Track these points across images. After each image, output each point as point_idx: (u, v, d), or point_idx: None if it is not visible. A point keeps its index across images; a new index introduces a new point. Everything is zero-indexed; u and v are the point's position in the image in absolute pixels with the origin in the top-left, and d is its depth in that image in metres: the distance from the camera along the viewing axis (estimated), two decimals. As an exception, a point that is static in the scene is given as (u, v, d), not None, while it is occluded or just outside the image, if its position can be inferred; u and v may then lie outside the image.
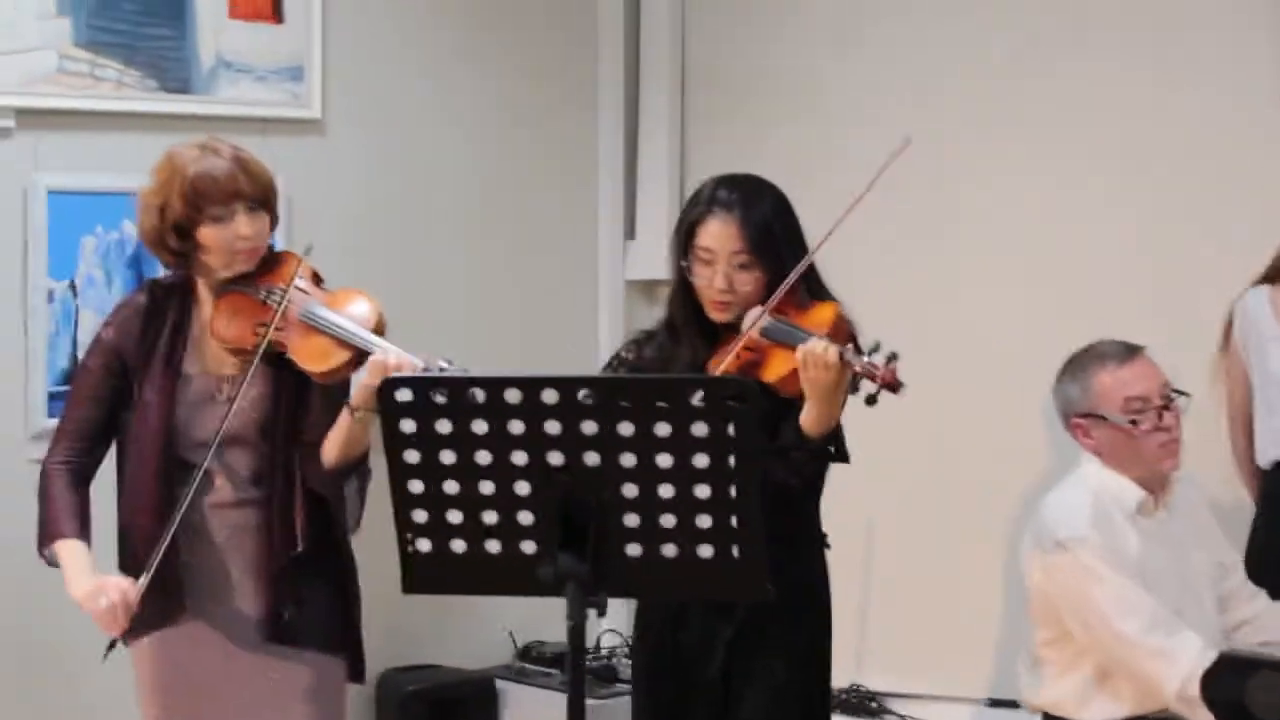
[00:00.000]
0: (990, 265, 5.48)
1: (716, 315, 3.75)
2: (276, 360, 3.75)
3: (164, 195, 3.74)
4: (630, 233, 6.27)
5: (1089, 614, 3.88)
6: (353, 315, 3.74)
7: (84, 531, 3.81)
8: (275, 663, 3.82)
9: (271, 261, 3.83)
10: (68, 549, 3.77)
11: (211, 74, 5.30)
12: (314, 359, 3.70)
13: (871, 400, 3.51)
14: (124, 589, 3.65)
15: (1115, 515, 3.95)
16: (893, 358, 3.45)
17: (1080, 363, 4.10)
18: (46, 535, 3.82)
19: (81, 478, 3.85)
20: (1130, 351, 4.05)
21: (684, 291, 3.84)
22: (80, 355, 4.94)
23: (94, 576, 3.72)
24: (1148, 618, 3.80)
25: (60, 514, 3.80)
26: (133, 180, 5.03)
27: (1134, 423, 3.96)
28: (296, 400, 3.79)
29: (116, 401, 3.85)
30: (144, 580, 3.67)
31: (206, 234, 3.74)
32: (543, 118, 6.10)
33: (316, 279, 3.84)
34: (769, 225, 3.75)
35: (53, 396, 5.05)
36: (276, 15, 5.42)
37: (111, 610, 3.64)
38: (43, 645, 5.10)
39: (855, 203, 3.63)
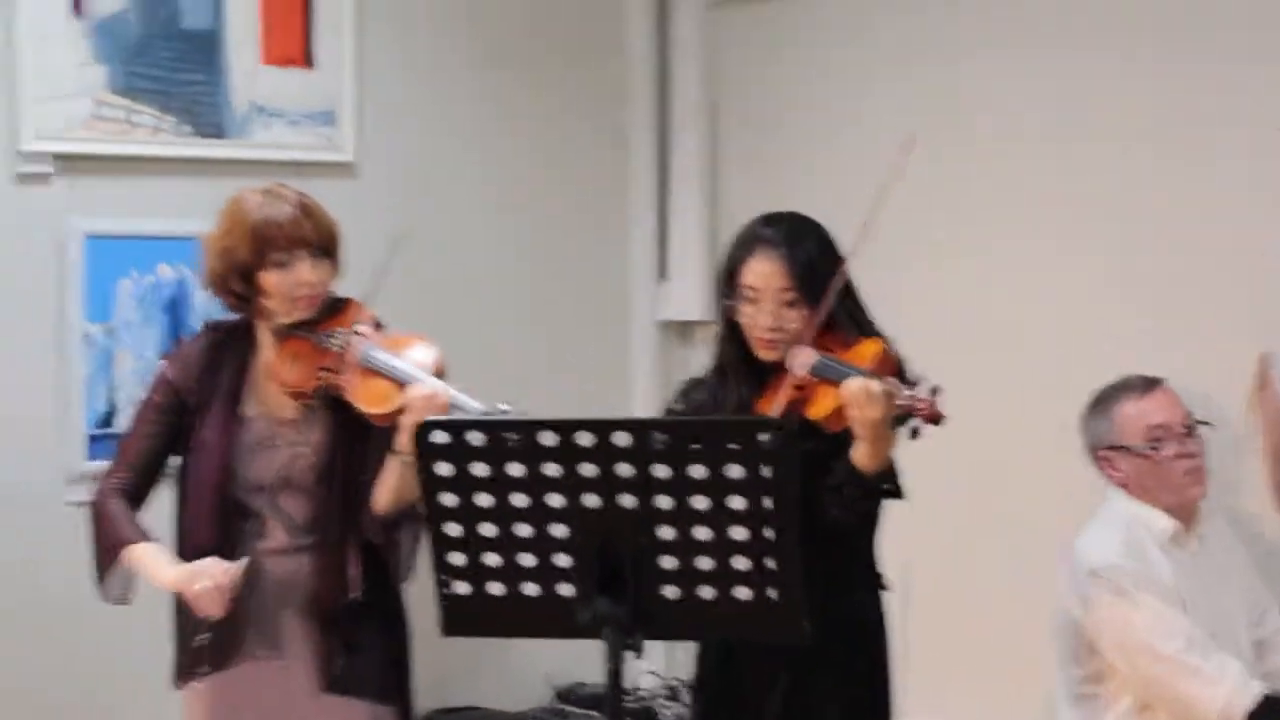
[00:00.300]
0: (1028, 310, 5.45)
1: (764, 354, 3.74)
2: (337, 404, 3.78)
3: (229, 239, 3.78)
4: (663, 273, 6.28)
5: (1127, 639, 3.90)
6: (412, 359, 3.78)
7: (150, 538, 3.82)
8: (328, 710, 3.84)
9: (333, 307, 3.86)
10: (142, 551, 3.78)
11: (245, 118, 5.34)
12: (373, 402, 3.73)
13: (915, 434, 3.51)
14: (222, 568, 3.66)
15: (1148, 544, 3.99)
16: (935, 391, 3.44)
17: (1103, 397, 4.16)
18: (111, 548, 3.81)
19: (135, 502, 3.87)
20: (1150, 383, 4.12)
21: (731, 332, 3.83)
22: (116, 398, 5.01)
23: (182, 564, 3.73)
24: (1185, 639, 3.83)
25: (123, 526, 3.82)
26: (168, 224, 5.18)
27: (1155, 449, 3.99)
28: (355, 446, 3.81)
29: (173, 437, 3.89)
30: (239, 565, 3.68)
31: (269, 279, 3.77)
32: (574, 159, 6.13)
33: (377, 325, 3.86)
34: (813, 262, 3.73)
35: (92, 439, 5.07)
36: (308, 61, 5.47)
37: (211, 591, 3.64)
38: (83, 686, 5.12)
39: (879, 201, 3.63)
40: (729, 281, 3.80)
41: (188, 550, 3.82)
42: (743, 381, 3.79)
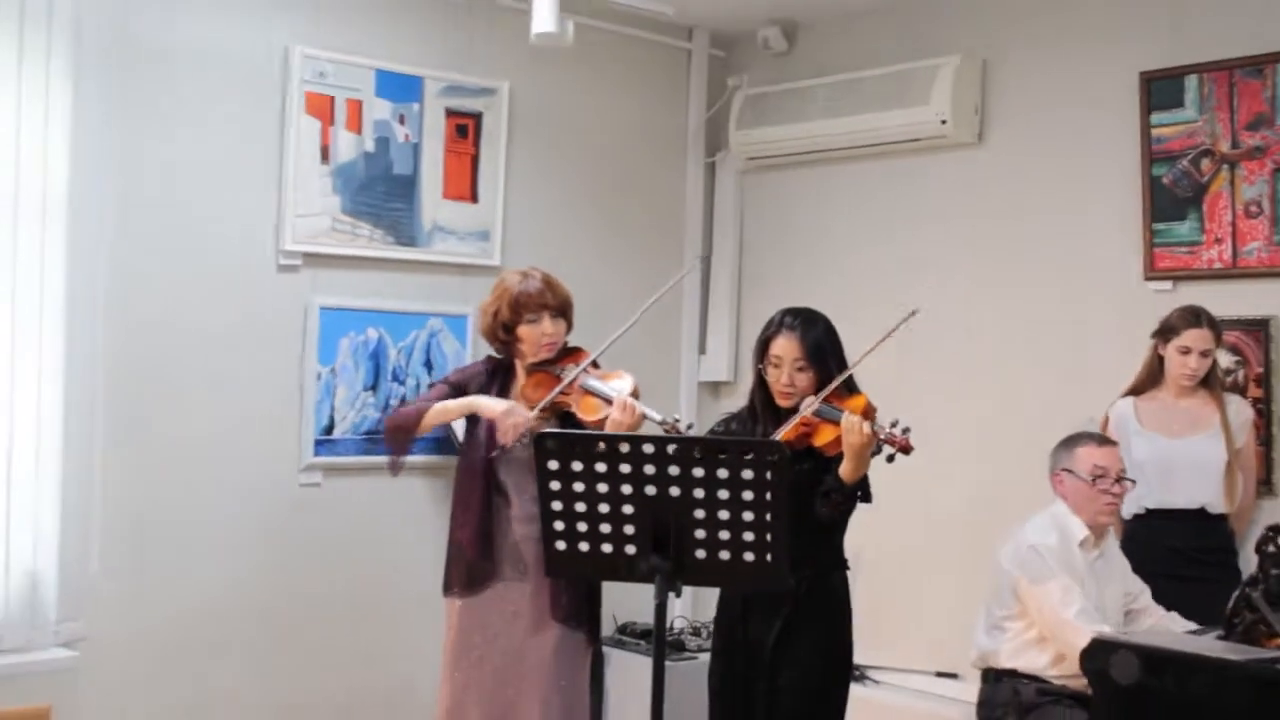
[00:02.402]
0: (960, 386, 5.45)
1: (782, 402, 3.79)
2: (566, 416, 3.83)
3: (497, 304, 3.90)
4: (703, 350, 6.28)
5: (1043, 598, 3.85)
6: (617, 386, 3.85)
7: None
8: (542, 630, 3.85)
9: (567, 352, 3.94)
10: (459, 402, 3.89)
11: (430, 234, 5.35)
12: (589, 413, 3.81)
13: (891, 459, 3.58)
14: (528, 415, 3.75)
15: (1069, 541, 3.96)
16: (907, 430, 3.50)
17: (1072, 437, 4.12)
18: (417, 416, 3.91)
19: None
20: (1106, 440, 4.10)
21: (760, 386, 3.86)
22: (335, 416, 5.05)
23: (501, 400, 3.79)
24: (1079, 608, 3.79)
25: (434, 401, 3.93)
26: (376, 302, 5.21)
27: (1094, 482, 3.97)
28: None
29: None
30: (534, 414, 3.78)
31: (522, 331, 3.88)
32: (649, 272, 6.00)
33: (595, 364, 3.92)
34: (820, 343, 3.78)
35: (317, 442, 5.07)
36: (474, 197, 5.48)
37: (515, 425, 3.72)
38: (365, 605, 5.17)
39: (882, 340, 3.72)
40: (762, 352, 3.84)
41: (461, 511, 3.87)
42: (767, 419, 3.82)
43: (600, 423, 3.69)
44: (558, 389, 3.77)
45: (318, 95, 5.05)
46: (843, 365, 3.77)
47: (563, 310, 3.90)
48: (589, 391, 3.79)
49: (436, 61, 5.37)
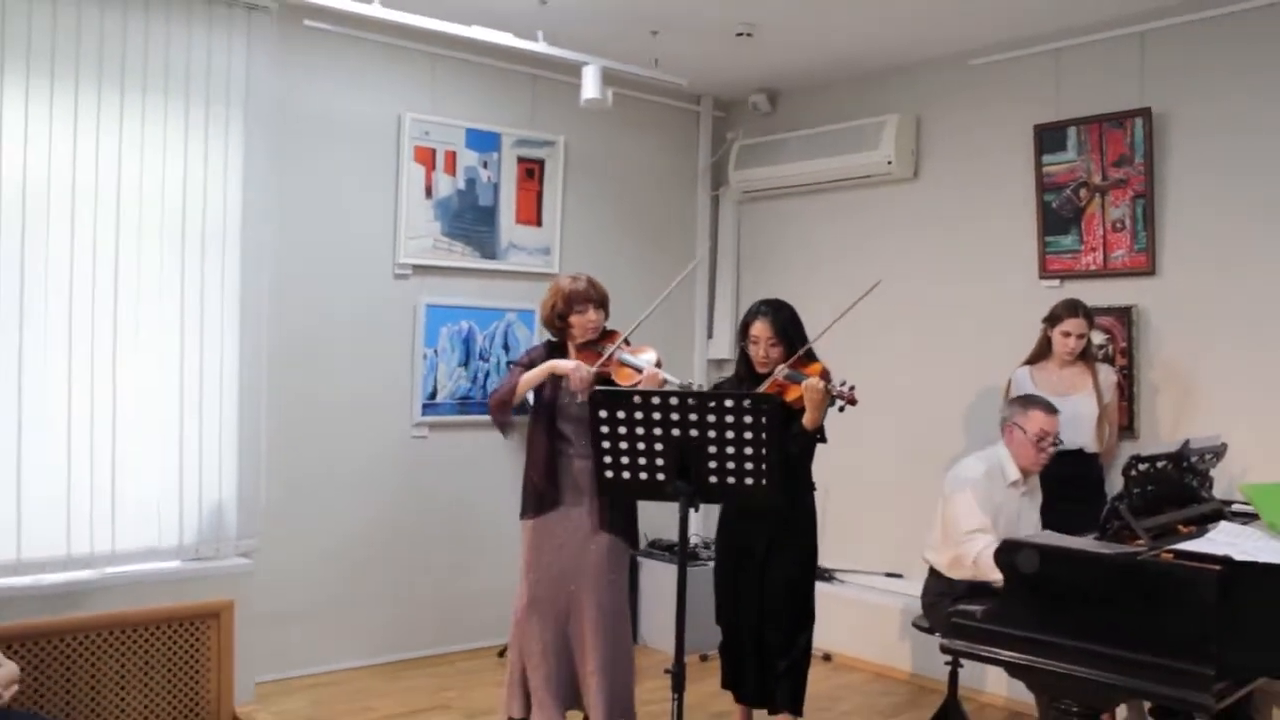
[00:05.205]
0: (902, 358, 5.47)
1: (760, 369, 3.83)
2: (607, 382, 3.79)
3: (554, 299, 3.88)
4: (710, 334, 6.28)
5: (949, 514, 3.81)
6: (644, 358, 3.83)
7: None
8: (595, 538, 3.84)
9: (605, 334, 3.92)
10: (533, 371, 3.81)
11: (506, 250, 5.39)
12: (624, 379, 3.77)
13: (842, 409, 3.59)
14: (591, 370, 3.72)
15: (998, 477, 3.86)
16: (853, 387, 3.52)
17: (1028, 399, 3.94)
18: (512, 389, 3.81)
19: None
20: (1054, 410, 3.91)
21: (743, 357, 3.91)
22: (437, 387, 5.05)
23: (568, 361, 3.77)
24: (977, 523, 3.73)
25: (518, 375, 3.85)
26: (465, 301, 5.18)
27: (1039, 443, 3.86)
28: None
29: None
30: (595, 369, 3.73)
31: (573, 319, 3.86)
32: (668, 278, 5.94)
33: (627, 341, 3.90)
34: (786, 325, 3.81)
35: (423, 406, 5.10)
36: (539, 222, 5.50)
37: (583, 378, 3.70)
38: (458, 527, 5.18)
39: (844, 314, 3.75)
40: (743, 332, 3.87)
41: (534, 452, 3.84)
42: (749, 383, 3.85)
43: (632, 386, 3.72)
44: (600, 362, 3.80)
45: (423, 148, 5.10)
46: (804, 341, 3.80)
47: (602, 303, 3.91)
48: (624, 363, 3.82)
49: (511, 121, 5.42)
